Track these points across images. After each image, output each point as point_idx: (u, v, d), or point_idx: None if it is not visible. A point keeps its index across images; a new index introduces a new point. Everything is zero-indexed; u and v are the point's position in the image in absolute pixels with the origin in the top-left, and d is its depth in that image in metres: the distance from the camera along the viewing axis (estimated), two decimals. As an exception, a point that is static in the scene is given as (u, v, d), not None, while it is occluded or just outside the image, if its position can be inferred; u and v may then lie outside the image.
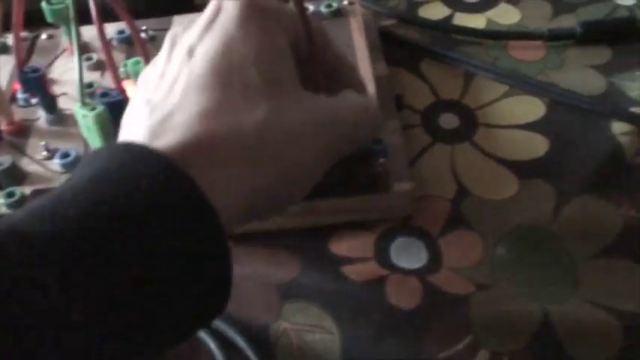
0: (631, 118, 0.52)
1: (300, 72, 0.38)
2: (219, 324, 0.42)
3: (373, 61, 0.53)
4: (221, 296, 0.32)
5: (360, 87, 0.43)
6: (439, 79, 0.57)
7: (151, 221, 0.29)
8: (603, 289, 0.43)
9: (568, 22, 0.60)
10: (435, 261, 0.45)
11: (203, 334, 0.42)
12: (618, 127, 0.51)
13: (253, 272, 0.45)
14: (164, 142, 0.32)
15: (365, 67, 0.52)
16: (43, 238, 0.27)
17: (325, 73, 0.40)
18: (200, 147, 0.32)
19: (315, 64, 0.40)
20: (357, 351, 0.42)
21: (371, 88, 0.50)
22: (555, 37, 0.59)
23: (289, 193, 0.37)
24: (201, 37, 0.36)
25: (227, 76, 0.35)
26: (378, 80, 0.51)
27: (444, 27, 0.61)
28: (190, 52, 0.36)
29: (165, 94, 0.35)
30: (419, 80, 0.57)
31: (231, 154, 0.33)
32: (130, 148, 0.31)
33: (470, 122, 0.53)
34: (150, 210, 0.29)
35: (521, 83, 0.55)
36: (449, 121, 0.54)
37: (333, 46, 0.42)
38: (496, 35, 0.60)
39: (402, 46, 0.59)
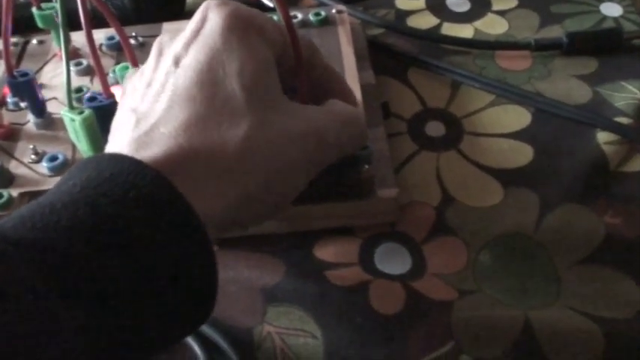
0: (616, 128, 0.52)
1: (285, 82, 0.38)
2: (202, 327, 0.42)
3: (360, 69, 0.53)
4: (207, 304, 0.33)
5: (347, 95, 0.44)
6: (426, 88, 0.57)
7: (138, 232, 0.30)
8: (585, 297, 0.44)
9: (555, 32, 0.61)
10: (419, 267, 0.46)
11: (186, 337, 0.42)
12: (603, 137, 0.52)
13: (238, 276, 0.45)
14: (150, 153, 0.33)
15: (352, 75, 0.52)
16: (37, 247, 0.28)
17: (311, 82, 0.41)
18: (184, 159, 0.33)
19: (300, 74, 0.40)
20: (340, 355, 0.42)
21: (357, 95, 0.50)
22: (542, 48, 0.59)
23: (272, 203, 0.37)
24: (186, 47, 0.37)
25: (211, 88, 0.35)
26: (365, 88, 0.52)
27: (432, 36, 0.61)
28: (176, 62, 0.36)
29: (151, 104, 0.36)
30: (406, 89, 0.57)
31: (214, 167, 0.34)
32: (118, 159, 0.32)
33: (456, 130, 0.54)
34: (138, 221, 0.30)
35: (507, 92, 0.56)
36: (435, 129, 0.54)
37: (319, 54, 0.42)
38: (483, 45, 0.60)
39: (390, 55, 0.60)
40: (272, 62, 0.38)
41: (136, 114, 0.36)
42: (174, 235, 0.31)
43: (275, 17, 0.55)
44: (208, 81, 0.35)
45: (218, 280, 0.33)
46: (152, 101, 0.36)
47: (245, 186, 0.35)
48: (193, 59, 0.36)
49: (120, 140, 0.35)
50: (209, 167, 0.34)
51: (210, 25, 0.37)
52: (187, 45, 0.37)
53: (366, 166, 0.45)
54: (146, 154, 0.33)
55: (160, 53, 0.39)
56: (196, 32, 0.37)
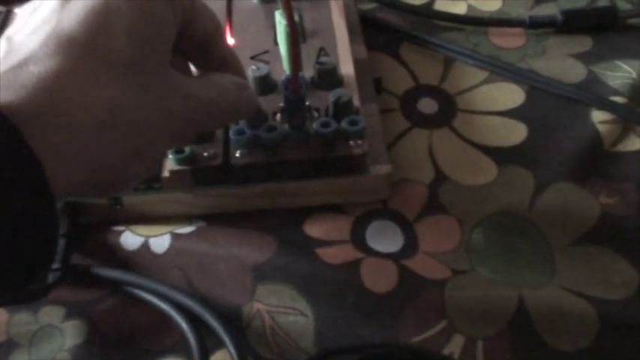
0: (611, 107, 0.51)
1: (178, 55, 0.36)
2: (191, 304, 0.41)
3: (352, 43, 0.52)
4: (44, 264, 0.30)
5: (240, 74, 0.41)
6: (419, 64, 0.56)
7: None
8: (580, 277, 0.43)
9: (549, 10, 0.60)
10: (411, 245, 0.45)
11: (175, 314, 0.41)
12: (598, 116, 0.51)
13: (227, 253, 0.44)
14: (11, 96, 0.29)
15: (344, 50, 0.51)
16: None
17: (210, 58, 0.39)
18: (48, 109, 0.30)
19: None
20: (331, 334, 0.41)
21: (350, 70, 0.49)
22: (536, 25, 0.58)
23: (132, 173, 0.34)
24: None
25: (96, 33, 0.31)
26: (357, 63, 0.51)
27: (425, 12, 0.60)
28: None
29: (27, 35, 0.32)
30: (398, 65, 0.56)
31: (79, 124, 0.30)
32: None
33: (449, 108, 0.53)
34: None
35: (501, 70, 0.55)
36: (428, 106, 0.53)
37: (222, 31, 0.40)
38: (477, 21, 0.59)
39: (382, 30, 0.59)
40: (171, 27, 0.35)
41: (9, 43, 0.32)
42: (14, 189, 0.28)
43: None
44: (95, 24, 0.31)
45: (58, 238, 0.31)
46: (29, 33, 0.32)
47: (105, 151, 0.32)
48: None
49: None
50: (73, 123, 0.30)
51: None
52: None
53: (359, 142, 0.44)
54: (7, 97, 0.29)
55: None
56: None
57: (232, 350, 0.40)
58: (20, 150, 0.28)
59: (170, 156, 0.43)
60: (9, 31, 0.33)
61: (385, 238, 0.45)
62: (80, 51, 0.31)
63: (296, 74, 0.41)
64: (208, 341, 0.41)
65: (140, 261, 0.45)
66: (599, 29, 0.58)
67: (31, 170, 0.28)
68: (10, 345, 0.42)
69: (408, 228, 0.46)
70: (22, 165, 0.28)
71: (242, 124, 0.44)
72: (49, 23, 0.31)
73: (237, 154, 0.44)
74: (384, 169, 0.45)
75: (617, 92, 0.53)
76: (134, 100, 0.32)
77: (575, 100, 0.53)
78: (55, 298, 0.43)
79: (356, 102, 0.46)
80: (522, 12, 0.60)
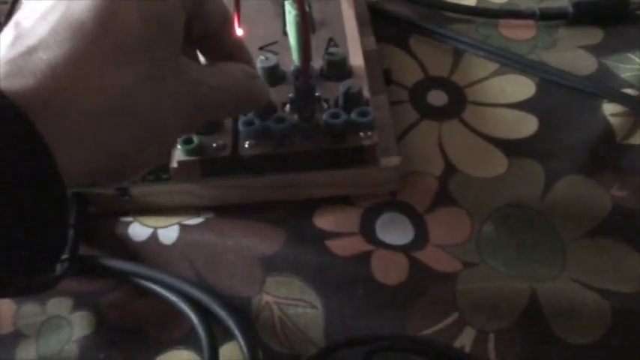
0: (623, 99, 0.51)
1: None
2: (200, 295, 0.41)
3: (362, 34, 0.52)
4: (54, 254, 0.30)
5: (240, 54, 0.40)
6: (428, 56, 0.56)
7: None
8: (592, 270, 0.43)
9: (560, 2, 0.59)
10: (422, 237, 0.44)
11: (184, 305, 0.41)
12: (609, 108, 0.51)
13: (236, 244, 0.44)
14: (21, 83, 0.29)
15: (354, 40, 0.51)
16: None
17: (219, 51, 0.39)
18: (58, 96, 0.29)
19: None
20: (341, 326, 0.41)
21: (360, 61, 0.49)
22: (547, 17, 0.58)
23: (142, 160, 0.34)
24: None
25: (106, 23, 0.31)
26: (367, 54, 0.50)
27: (435, 3, 0.60)
28: None
29: (36, 21, 0.31)
30: (408, 56, 0.56)
31: (89, 111, 0.30)
32: None
33: (459, 100, 0.53)
34: None
35: (512, 62, 0.54)
36: (437, 97, 0.53)
37: (231, 24, 0.39)
38: (487, 13, 0.59)
39: (392, 21, 0.58)
40: (181, 13, 0.34)
41: (17, 29, 0.31)
42: (24, 179, 0.27)
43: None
44: (105, 10, 0.31)
45: (69, 227, 0.30)
46: (38, 18, 0.31)
47: (117, 139, 0.31)
48: None
49: None
50: (84, 111, 0.30)
51: None
52: None
53: (369, 133, 0.44)
54: (17, 84, 0.29)
55: None
56: None
57: (242, 342, 0.39)
58: (30, 138, 0.28)
59: (179, 147, 0.43)
60: (17, 17, 0.32)
61: (395, 230, 0.45)
62: (90, 37, 0.30)
63: (306, 63, 0.40)
64: (217, 333, 0.40)
65: (148, 252, 0.45)
66: (610, 21, 0.58)
67: (40, 158, 0.28)
68: (18, 336, 0.42)
69: (418, 220, 0.45)
70: (32, 153, 0.28)
71: (251, 115, 0.44)
72: (58, 9, 0.31)
73: (246, 145, 0.44)
74: (393, 160, 0.45)
75: (628, 84, 0.52)
76: (144, 87, 0.31)
77: (586, 93, 0.52)
78: (63, 289, 0.43)
79: (366, 93, 0.46)
80: (532, 4, 0.60)
